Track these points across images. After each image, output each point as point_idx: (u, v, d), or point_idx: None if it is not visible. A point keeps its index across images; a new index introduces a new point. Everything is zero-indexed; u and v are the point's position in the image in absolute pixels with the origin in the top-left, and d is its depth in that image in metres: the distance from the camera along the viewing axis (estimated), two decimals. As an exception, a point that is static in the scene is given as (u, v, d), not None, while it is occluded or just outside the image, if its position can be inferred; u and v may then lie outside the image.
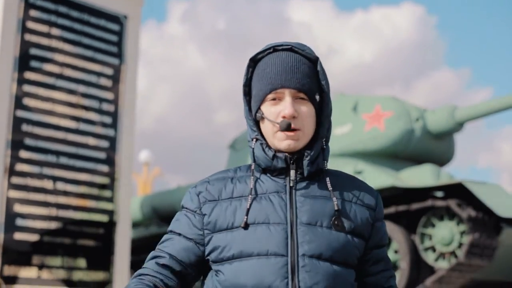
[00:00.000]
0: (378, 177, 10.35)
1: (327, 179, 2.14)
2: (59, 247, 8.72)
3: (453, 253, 9.64)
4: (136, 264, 12.96)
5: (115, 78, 9.53)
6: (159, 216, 13.52)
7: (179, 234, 2.17)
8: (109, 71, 9.49)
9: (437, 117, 11.29)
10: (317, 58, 2.16)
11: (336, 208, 2.09)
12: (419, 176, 10.56)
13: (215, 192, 2.15)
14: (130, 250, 9.66)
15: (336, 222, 2.08)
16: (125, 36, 9.73)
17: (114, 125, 9.43)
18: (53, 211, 8.70)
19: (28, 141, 8.63)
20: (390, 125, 11.14)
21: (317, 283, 2.01)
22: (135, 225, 13.25)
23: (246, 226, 2.05)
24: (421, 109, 11.56)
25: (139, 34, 10.06)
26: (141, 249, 12.98)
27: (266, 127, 2.12)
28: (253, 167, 2.16)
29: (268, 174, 2.15)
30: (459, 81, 58.80)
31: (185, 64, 53.79)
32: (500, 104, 10.85)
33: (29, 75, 8.75)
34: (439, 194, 10.05)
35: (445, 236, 9.65)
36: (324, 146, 2.16)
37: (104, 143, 9.32)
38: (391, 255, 10.16)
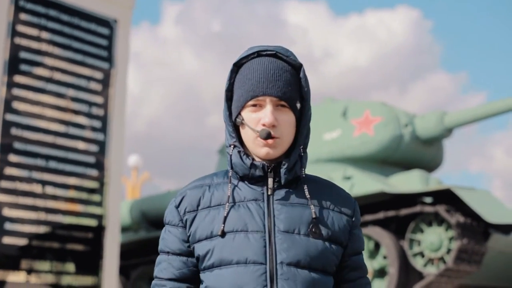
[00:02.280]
0: (367, 183, 10.36)
1: (305, 186, 2.13)
2: (47, 251, 8.70)
3: (441, 259, 9.66)
4: (125, 268, 12.95)
5: (105, 82, 9.52)
6: (148, 220, 13.50)
7: (168, 253, 2.17)
8: (99, 75, 9.48)
9: (426, 123, 11.32)
10: (300, 65, 2.16)
11: (313, 215, 2.09)
12: (408, 182, 10.58)
13: (193, 202, 2.15)
14: (119, 254, 9.64)
15: (313, 230, 2.08)
16: (115, 40, 9.73)
17: (103, 129, 9.42)
18: (42, 215, 8.68)
19: (18, 145, 8.61)
20: (379, 130, 11.17)
21: None
22: (124, 229, 13.22)
23: (223, 234, 2.06)
24: (410, 114, 11.59)
25: (129, 38, 10.06)
26: (130, 254, 12.96)
27: (246, 133, 2.12)
28: (230, 174, 2.14)
29: (245, 182, 2.14)
30: (455, 85, 59.00)
31: (179, 66, 53.76)
32: (490, 110, 10.90)
33: (18, 78, 8.73)
34: (428, 200, 10.07)
35: (434, 241, 9.67)
36: (302, 154, 2.15)
37: (94, 147, 9.30)
38: (379, 260, 10.18)
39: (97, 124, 9.37)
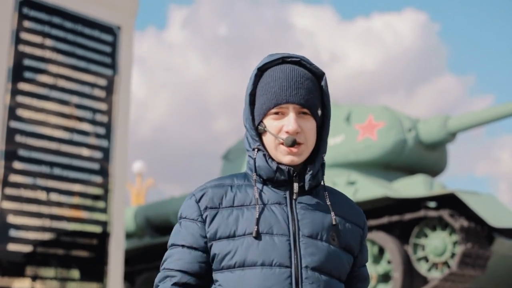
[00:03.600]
0: (371, 188, 10.37)
1: (326, 193, 2.17)
2: (52, 258, 8.71)
3: (445, 263, 9.66)
4: (129, 274, 12.96)
5: (109, 89, 9.55)
6: (153, 227, 13.52)
7: (183, 246, 2.15)
8: (102, 82, 9.50)
9: (430, 127, 11.32)
10: (323, 73, 2.19)
11: (334, 222, 2.12)
12: (411, 187, 10.58)
13: (215, 199, 2.14)
14: (123, 261, 9.65)
15: (333, 237, 2.11)
16: (118, 46, 9.75)
17: (107, 136, 9.44)
18: (47, 222, 8.70)
19: (22, 152, 8.63)
20: (383, 135, 11.17)
21: None
22: (129, 235, 13.24)
23: (258, 236, 2.06)
24: (414, 119, 11.59)
25: (133, 45, 10.09)
26: (134, 260, 12.98)
27: (268, 140, 2.14)
28: (254, 177, 2.16)
29: (268, 185, 2.16)
30: (462, 88, 58.94)
31: (185, 71, 53.73)
32: (494, 114, 10.88)
33: (22, 85, 8.76)
34: (432, 204, 10.07)
35: (438, 246, 9.67)
36: (324, 161, 2.19)
37: (98, 154, 9.32)
38: (384, 265, 10.19)
39: (101, 130, 9.39)
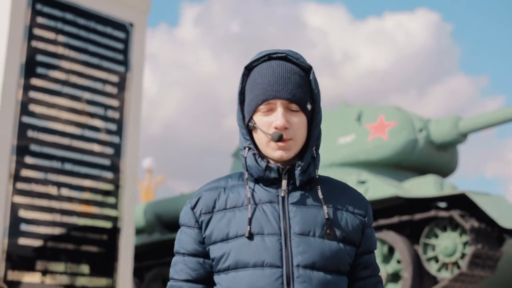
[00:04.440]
0: (381, 187, 10.36)
1: (318, 188, 2.15)
2: (62, 252, 8.75)
3: (455, 264, 9.64)
4: (139, 270, 12.99)
5: (121, 86, 9.57)
6: (162, 223, 13.54)
7: (184, 254, 2.18)
8: (114, 78, 9.53)
9: (441, 128, 11.30)
10: (310, 67, 2.17)
11: (326, 217, 2.10)
12: (422, 187, 10.57)
13: (209, 204, 2.16)
14: (133, 256, 9.67)
15: (328, 231, 2.10)
16: (131, 43, 9.78)
17: (119, 132, 9.46)
18: (57, 217, 8.73)
19: (34, 147, 8.67)
20: (394, 135, 11.16)
21: None
22: (138, 231, 13.26)
23: (250, 236, 2.07)
24: (425, 119, 11.57)
25: (145, 42, 10.11)
26: (144, 256, 13.00)
27: (259, 136, 2.14)
28: (246, 176, 2.16)
29: (260, 184, 2.16)
30: (474, 89, 58.78)
31: (197, 68, 53.73)
32: (505, 115, 10.85)
33: (35, 81, 8.79)
34: (442, 204, 10.06)
35: (448, 246, 9.66)
36: (315, 155, 2.17)
37: (109, 150, 9.35)
38: (393, 265, 10.17)
39: (112, 127, 9.42)
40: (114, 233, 9.28)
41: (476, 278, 9.68)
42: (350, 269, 2.19)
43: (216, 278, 2.13)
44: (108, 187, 9.32)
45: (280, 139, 2.07)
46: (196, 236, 2.16)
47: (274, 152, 2.11)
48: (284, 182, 2.13)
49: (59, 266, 8.70)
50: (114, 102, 9.48)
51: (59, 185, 8.82)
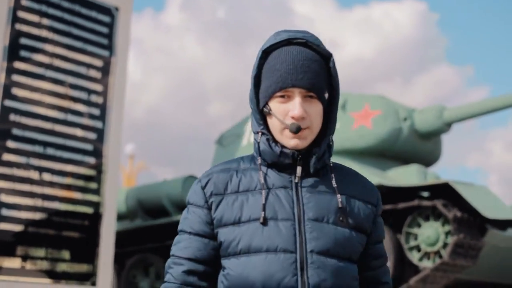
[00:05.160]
0: (365, 176, 10.33)
1: (332, 175, 2.14)
2: (43, 238, 8.68)
3: (437, 253, 9.68)
4: (120, 256, 12.94)
5: (105, 70, 9.49)
6: (144, 209, 13.49)
7: (190, 233, 2.16)
8: (98, 63, 9.44)
9: (425, 117, 11.32)
10: (330, 55, 2.14)
11: (339, 205, 2.09)
12: (405, 176, 10.59)
13: (220, 185, 2.14)
14: (114, 242, 9.62)
15: (341, 218, 2.09)
16: (116, 28, 9.69)
17: (102, 117, 9.38)
18: (39, 202, 8.66)
19: (16, 131, 8.58)
20: (378, 124, 11.17)
21: (325, 280, 2.03)
22: (120, 217, 13.21)
23: (265, 221, 2.05)
24: (409, 108, 11.59)
25: (130, 27, 10.02)
26: (125, 242, 12.96)
27: (273, 123, 2.12)
28: (259, 161, 2.14)
29: (273, 169, 2.14)
30: (460, 78, 59.04)
31: (182, 54, 53.61)
32: (490, 106, 10.89)
33: (18, 64, 8.69)
34: (426, 194, 10.08)
35: (430, 235, 9.69)
36: (331, 143, 2.16)
37: (92, 135, 9.27)
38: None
39: (95, 111, 9.34)
40: (95, 218, 9.21)
41: (458, 267, 9.72)
42: (361, 259, 2.17)
43: (225, 262, 2.10)
44: (90, 172, 9.24)
45: (298, 130, 2.05)
46: (205, 217, 2.14)
47: (289, 140, 2.09)
48: (299, 169, 2.11)
49: (40, 252, 8.63)
50: (98, 87, 9.40)
51: (41, 169, 8.74)
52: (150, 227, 12.85)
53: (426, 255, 9.86)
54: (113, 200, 9.46)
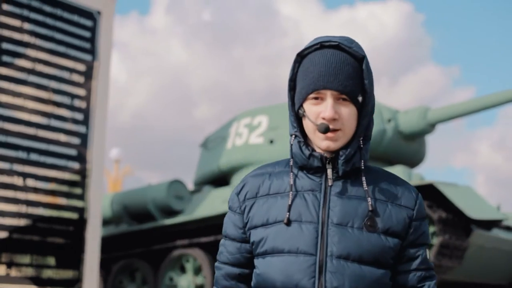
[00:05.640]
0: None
1: (363, 178, 2.15)
2: (28, 244, 8.64)
3: (423, 254, 9.69)
4: (105, 262, 12.89)
5: (88, 75, 9.46)
6: (130, 214, 13.43)
7: (226, 237, 2.29)
8: (81, 67, 9.41)
9: (409, 118, 11.34)
10: (363, 57, 2.16)
11: (370, 208, 2.11)
12: (390, 177, 10.60)
13: (253, 189, 2.22)
14: (100, 248, 9.59)
15: (368, 223, 2.10)
16: (98, 32, 9.66)
17: (85, 122, 9.35)
18: (23, 208, 8.62)
19: (-2, 137, 8.54)
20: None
21: (343, 284, 2.05)
22: (105, 222, 13.15)
23: (288, 222, 2.11)
24: (393, 109, 11.60)
25: (113, 31, 10.00)
26: (111, 247, 12.90)
27: (307, 125, 2.16)
28: (291, 163, 2.19)
29: (304, 172, 2.18)
30: (446, 79, 59.22)
31: (167, 57, 53.49)
32: (473, 106, 10.92)
33: (0, 70, 8.65)
34: (411, 195, 10.09)
35: (416, 237, 9.70)
36: (362, 145, 2.17)
37: (75, 140, 9.24)
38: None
39: (79, 116, 9.31)
40: (80, 224, 9.18)
41: (443, 268, 9.73)
42: (396, 263, 2.17)
43: (255, 261, 2.20)
44: (75, 177, 9.21)
45: (326, 130, 2.08)
46: (237, 222, 2.24)
47: (322, 141, 2.13)
48: (329, 171, 2.15)
49: (25, 258, 8.59)
50: (81, 91, 9.37)
51: (25, 175, 8.70)
52: (136, 232, 12.80)
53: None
54: (97, 205, 9.43)
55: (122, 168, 23.80)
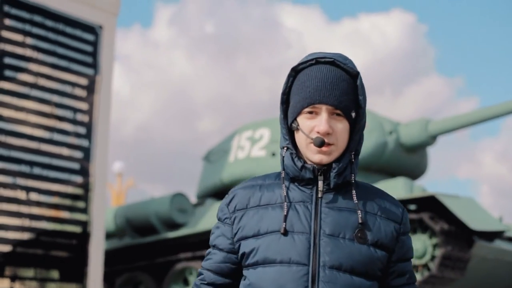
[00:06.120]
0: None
1: (353, 191, 2.19)
2: (32, 258, 8.66)
3: (425, 266, 9.69)
4: (109, 275, 12.90)
5: (90, 89, 9.50)
6: (133, 227, 13.45)
7: (214, 247, 2.29)
8: (83, 81, 9.46)
9: (410, 130, 11.36)
10: (357, 73, 2.21)
11: (360, 221, 2.14)
12: (392, 189, 10.58)
13: (243, 200, 2.24)
14: (103, 261, 9.61)
15: (359, 235, 2.14)
16: (100, 46, 9.71)
17: (88, 136, 9.39)
18: (26, 222, 8.65)
19: (2, 151, 8.58)
20: (363, 137, 11.20)
21: None
22: (109, 236, 13.17)
23: (285, 233, 2.13)
24: (395, 122, 11.63)
25: (115, 45, 10.05)
26: (114, 261, 12.91)
27: (300, 138, 2.19)
28: (283, 174, 2.21)
29: (295, 183, 2.21)
30: (450, 90, 59.10)
31: (171, 70, 53.46)
32: (475, 118, 10.95)
33: (2, 84, 8.70)
34: (412, 207, 10.10)
35: (418, 248, 9.70)
36: (353, 160, 2.21)
37: (78, 154, 9.28)
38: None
39: (81, 130, 9.35)
40: (84, 237, 9.21)
41: (446, 280, 9.73)
42: (383, 277, 2.21)
43: (245, 272, 2.20)
44: (78, 191, 9.24)
45: (321, 144, 2.12)
46: (226, 232, 2.25)
47: (314, 155, 2.16)
48: (320, 183, 2.18)
49: (29, 272, 8.62)
50: (83, 105, 9.41)
51: (28, 189, 8.73)
52: (139, 245, 12.81)
53: (415, 268, 9.88)
54: (101, 219, 9.46)
55: (125, 181, 23.82)
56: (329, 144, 2.14)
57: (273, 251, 2.12)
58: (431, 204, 9.66)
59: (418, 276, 9.75)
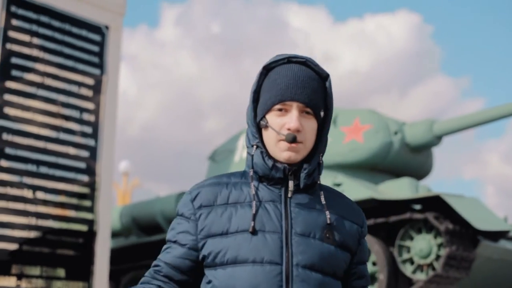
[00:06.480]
0: (356, 189, 10.41)
1: (321, 192, 2.21)
2: (38, 256, 8.70)
3: (430, 265, 9.71)
4: (115, 274, 12.95)
5: (96, 89, 9.54)
6: (139, 226, 13.51)
7: (174, 242, 2.22)
8: (90, 81, 9.49)
9: (416, 131, 11.39)
10: (327, 75, 2.24)
11: (328, 221, 2.16)
12: (397, 189, 10.62)
13: (210, 197, 2.20)
14: (109, 260, 9.64)
15: (327, 235, 2.15)
16: (106, 46, 9.75)
17: (94, 135, 9.43)
18: (33, 220, 8.69)
19: (8, 150, 8.61)
20: (369, 138, 11.22)
21: None
22: (115, 235, 13.22)
23: (254, 231, 2.11)
24: (400, 122, 11.65)
25: (121, 45, 10.08)
26: (120, 259, 12.96)
27: (269, 136, 2.19)
28: (251, 173, 2.21)
29: (264, 183, 2.20)
30: (455, 90, 58.94)
31: (177, 70, 53.43)
32: (480, 118, 10.96)
33: (9, 84, 8.74)
34: (417, 207, 10.12)
35: (423, 248, 9.72)
36: (321, 161, 2.24)
37: (84, 153, 9.31)
38: (369, 267, 10.21)
39: (88, 129, 9.38)
40: (90, 236, 9.24)
41: (451, 279, 9.75)
42: (345, 278, 2.24)
43: (211, 272, 2.15)
44: (84, 190, 9.27)
45: (294, 140, 2.13)
46: (189, 229, 2.20)
47: (282, 152, 2.16)
48: (291, 183, 2.18)
49: (35, 270, 8.65)
50: (90, 105, 9.44)
51: (34, 188, 8.77)
52: (145, 244, 12.86)
53: (420, 267, 9.89)
54: (107, 217, 9.49)
55: (131, 180, 23.85)
56: (298, 142, 2.15)
57: (245, 251, 2.09)
58: (436, 204, 9.68)
59: (423, 276, 9.78)
